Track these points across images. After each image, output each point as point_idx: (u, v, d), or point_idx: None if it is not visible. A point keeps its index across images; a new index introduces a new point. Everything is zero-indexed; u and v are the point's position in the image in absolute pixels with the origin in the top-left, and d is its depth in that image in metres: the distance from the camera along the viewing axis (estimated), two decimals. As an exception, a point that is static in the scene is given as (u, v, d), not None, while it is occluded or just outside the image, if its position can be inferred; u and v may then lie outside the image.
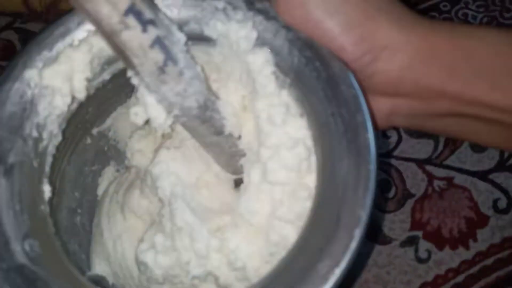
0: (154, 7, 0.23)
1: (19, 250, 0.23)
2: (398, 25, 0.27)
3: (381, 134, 0.46)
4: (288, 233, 0.27)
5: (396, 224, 0.44)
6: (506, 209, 0.44)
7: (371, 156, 0.24)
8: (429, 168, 0.45)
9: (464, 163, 0.45)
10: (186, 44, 0.25)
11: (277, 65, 0.28)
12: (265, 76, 0.28)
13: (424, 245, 0.43)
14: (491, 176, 0.45)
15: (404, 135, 0.46)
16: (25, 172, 0.26)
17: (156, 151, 0.34)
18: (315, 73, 0.27)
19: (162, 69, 0.24)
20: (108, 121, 0.38)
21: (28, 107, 0.26)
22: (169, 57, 0.24)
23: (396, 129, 0.46)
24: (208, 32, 0.29)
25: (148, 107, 0.26)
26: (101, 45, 0.28)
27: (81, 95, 0.28)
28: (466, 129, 0.30)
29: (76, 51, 0.27)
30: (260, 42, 0.28)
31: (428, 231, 0.43)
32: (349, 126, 0.25)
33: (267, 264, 0.29)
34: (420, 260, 0.43)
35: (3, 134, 0.26)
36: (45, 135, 0.27)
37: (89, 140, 0.37)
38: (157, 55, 0.23)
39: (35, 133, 0.27)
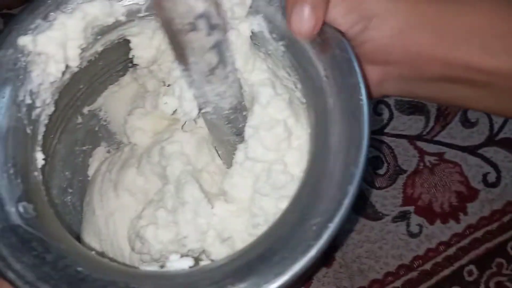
0: (221, 10, 0.24)
1: (14, 212, 0.23)
2: None
3: (373, 111, 0.47)
4: (265, 205, 0.29)
5: (388, 200, 0.44)
6: (495, 183, 0.45)
7: (364, 116, 0.25)
8: (420, 144, 0.46)
9: (454, 138, 0.46)
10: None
11: (271, 32, 0.28)
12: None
13: (415, 220, 0.44)
14: (480, 151, 0.45)
15: (395, 112, 0.47)
16: (19, 137, 0.26)
17: (169, 131, 0.35)
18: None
19: (212, 71, 0.25)
20: (100, 100, 0.38)
21: (22, 74, 0.26)
22: (222, 60, 0.25)
23: (388, 106, 0.47)
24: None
25: (183, 101, 0.28)
26: (95, 13, 0.28)
27: (74, 63, 0.28)
28: (456, 94, 0.30)
29: (70, 18, 0.27)
30: (254, 10, 0.28)
31: (420, 206, 0.44)
32: (342, 88, 0.26)
33: (251, 237, 0.29)
34: (411, 235, 0.43)
35: (-3, 100, 0.25)
36: (38, 103, 0.27)
37: (79, 119, 0.37)
38: (213, 58, 0.24)
39: (28, 100, 0.26)
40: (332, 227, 0.23)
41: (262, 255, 0.23)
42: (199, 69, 0.25)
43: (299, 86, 0.28)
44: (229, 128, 0.30)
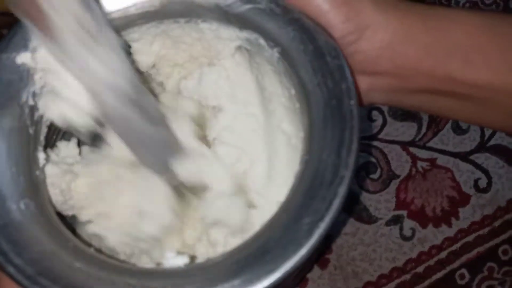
0: None
1: (15, 208, 0.24)
2: (379, 6, 0.29)
3: (367, 117, 0.48)
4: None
5: (382, 204, 0.45)
6: (486, 188, 0.45)
7: (354, 121, 0.26)
8: (413, 150, 0.47)
9: (446, 144, 0.47)
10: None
11: (266, 39, 0.29)
12: None
13: (408, 224, 0.45)
14: (472, 157, 0.46)
15: (388, 119, 0.48)
16: (22, 137, 0.27)
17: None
18: (302, 46, 0.28)
19: (83, 26, 0.21)
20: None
21: (25, 76, 0.27)
22: (88, 9, 0.21)
23: (381, 112, 0.48)
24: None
25: (70, 88, 0.23)
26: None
27: None
28: (440, 105, 0.32)
29: None
30: (249, 18, 0.29)
31: (412, 210, 0.45)
32: (334, 94, 0.27)
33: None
34: (404, 238, 0.44)
35: (1, 100, 0.26)
36: (40, 104, 0.28)
37: (82, 121, 0.38)
38: (74, 5, 0.20)
39: (31, 101, 0.27)
40: (323, 226, 0.23)
41: (254, 253, 0.24)
42: (67, 27, 0.20)
43: (292, 91, 0.29)
44: (140, 116, 0.25)
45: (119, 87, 0.23)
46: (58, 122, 0.25)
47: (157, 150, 0.28)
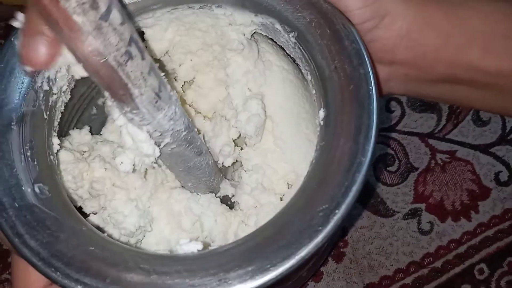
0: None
1: (30, 192, 0.24)
2: None
3: (385, 108, 0.47)
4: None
5: (399, 197, 0.44)
6: (507, 182, 0.44)
7: (373, 106, 0.25)
8: (432, 141, 0.46)
9: (466, 136, 0.46)
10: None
11: (283, 23, 0.29)
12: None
13: (426, 217, 0.44)
14: (493, 150, 0.45)
15: (407, 109, 0.47)
16: (36, 122, 0.27)
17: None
18: (319, 30, 0.27)
19: (158, 95, 0.24)
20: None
21: (40, 61, 0.27)
22: (161, 82, 0.24)
23: (399, 103, 0.47)
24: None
25: (141, 145, 0.26)
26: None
27: None
28: (460, 94, 0.31)
29: None
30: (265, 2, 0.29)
31: (431, 204, 0.44)
32: (352, 79, 0.26)
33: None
34: (422, 232, 0.43)
35: (16, 85, 0.26)
36: (55, 89, 0.28)
37: (94, 110, 0.38)
38: (154, 81, 0.23)
39: (46, 86, 0.27)
40: (339, 214, 0.23)
41: (269, 239, 0.23)
42: (147, 99, 0.23)
43: (309, 77, 0.29)
44: (191, 151, 0.28)
45: (177, 132, 0.26)
46: None
47: (202, 175, 0.31)
